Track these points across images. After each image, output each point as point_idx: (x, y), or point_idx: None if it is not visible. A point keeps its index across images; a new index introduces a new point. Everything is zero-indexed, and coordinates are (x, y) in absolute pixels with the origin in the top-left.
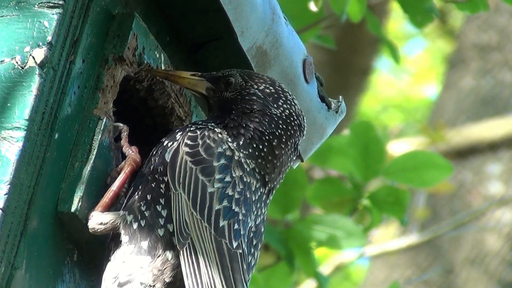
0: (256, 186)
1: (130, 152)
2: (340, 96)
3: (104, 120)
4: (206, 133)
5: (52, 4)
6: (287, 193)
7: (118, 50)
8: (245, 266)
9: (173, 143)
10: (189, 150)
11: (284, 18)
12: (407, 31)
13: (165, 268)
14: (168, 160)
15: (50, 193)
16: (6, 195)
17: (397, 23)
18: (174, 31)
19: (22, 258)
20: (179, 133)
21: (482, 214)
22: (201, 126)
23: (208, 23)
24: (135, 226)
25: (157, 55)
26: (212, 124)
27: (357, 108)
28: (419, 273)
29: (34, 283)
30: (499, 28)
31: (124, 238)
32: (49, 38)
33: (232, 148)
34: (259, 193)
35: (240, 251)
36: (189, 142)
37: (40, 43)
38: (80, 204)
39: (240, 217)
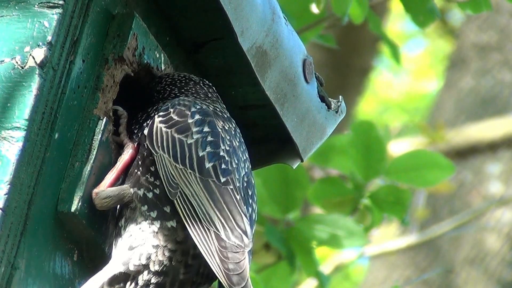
0: (233, 128)
1: (128, 139)
2: (340, 96)
3: (104, 120)
4: (176, 102)
5: (52, 4)
6: (288, 193)
7: (118, 50)
8: (239, 198)
9: (148, 121)
10: (162, 119)
11: (284, 18)
12: (407, 31)
13: (175, 229)
14: (146, 134)
15: (50, 193)
16: (6, 195)
17: (396, 23)
18: (173, 31)
19: (22, 258)
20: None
21: (481, 214)
22: (171, 102)
23: (208, 23)
24: (150, 195)
25: (157, 55)
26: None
27: (357, 108)
28: (418, 273)
29: (34, 283)
30: (499, 28)
31: (143, 207)
32: (49, 38)
33: (206, 104)
34: (238, 134)
35: (231, 187)
36: (161, 113)
37: (40, 43)
38: (80, 204)
39: (229, 161)
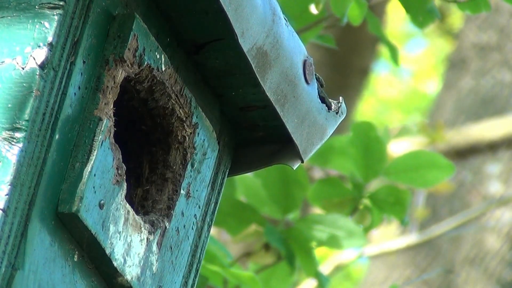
0: None
1: None
2: (340, 97)
3: (105, 121)
4: None
5: (52, 5)
6: (288, 193)
7: (119, 51)
8: None
9: None
10: None
11: (285, 19)
12: (407, 31)
13: None
14: None
15: (50, 194)
16: (7, 196)
17: (397, 23)
18: (174, 32)
19: (23, 259)
20: None
21: (481, 214)
22: None
23: (209, 24)
24: None
25: (158, 56)
26: None
27: (357, 108)
28: (418, 273)
29: (34, 284)
30: (499, 28)
31: None
32: (49, 39)
33: None
34: None
35: None
36: None
37: (41, 44)
38: (80, 204)
39: None
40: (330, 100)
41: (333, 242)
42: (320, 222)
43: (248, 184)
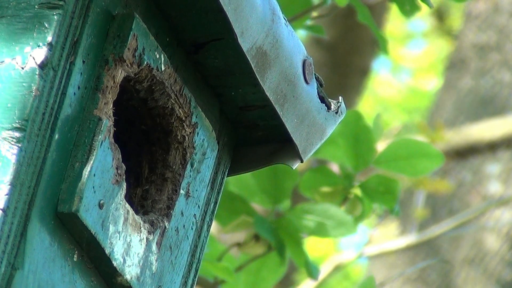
0: None
1: None
2: (340, 97)
3: (104, 121)
4: None
5: (52, 5)
6: (277, 183)
7: (118, 50)
8: None
9: None
10: None
11: (284, 18)
12: (408, 31)
13: None
14: None
15: (50, 194)
16: (7, 196)
17: (397, 23)
18: (174, 31)
19: (22, 258)
20: None
21: (481, 214)
22: None
23: (208, 24)
24: None
25: (157, 56)
26: None
27: (357, 108)
28: (417, 273)
29: (34, 284)
30: (498, 28)
31: None
32: (49, 38)
33: None
34: None
35: None
36: None
37: (40, 44)
38: (80, 204)
39: None
40: (329, 100)
41: (323, 231)
42: (310, 211)
43: (238, 175)
